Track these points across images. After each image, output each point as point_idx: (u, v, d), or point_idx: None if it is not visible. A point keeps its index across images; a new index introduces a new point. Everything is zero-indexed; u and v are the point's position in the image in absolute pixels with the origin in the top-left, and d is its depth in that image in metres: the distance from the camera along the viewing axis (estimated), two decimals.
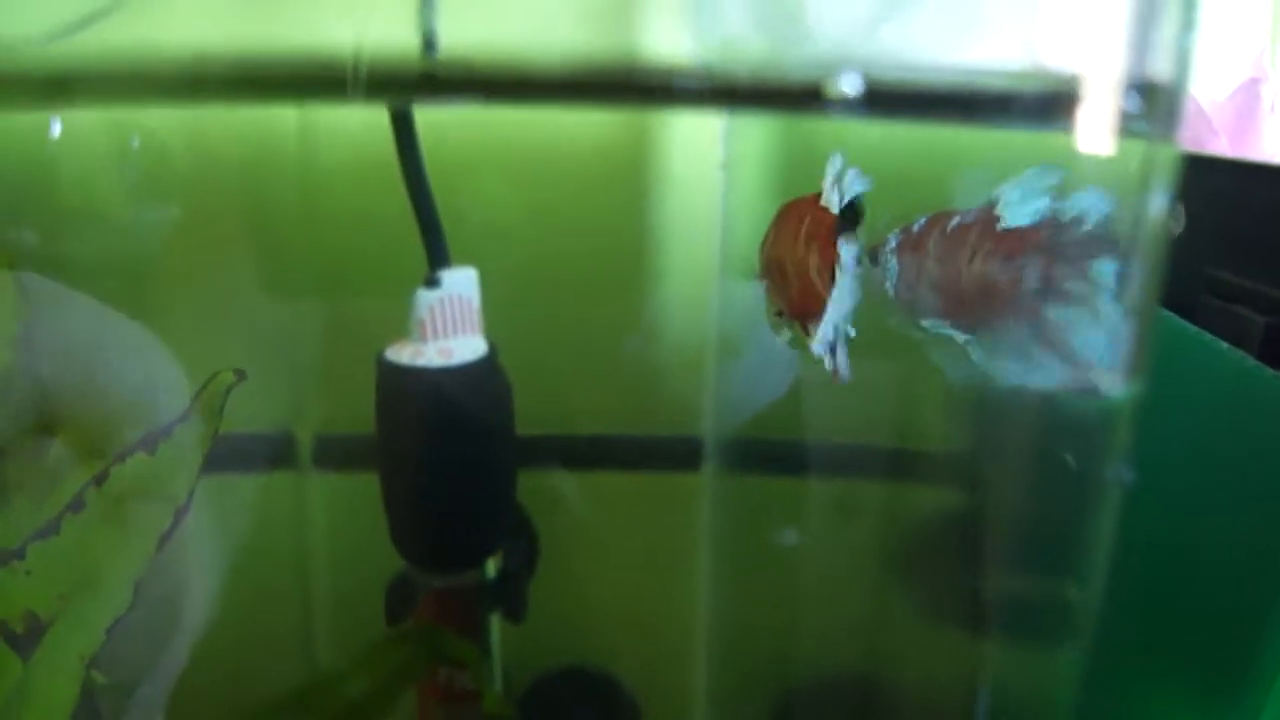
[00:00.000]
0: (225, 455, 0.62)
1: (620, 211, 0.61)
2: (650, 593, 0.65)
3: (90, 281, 0.58)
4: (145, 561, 0.33)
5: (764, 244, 0.30)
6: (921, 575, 0.60)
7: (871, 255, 0.28)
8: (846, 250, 0.27)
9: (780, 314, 0.30)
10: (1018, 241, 0.24)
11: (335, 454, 0.63)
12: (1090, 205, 0.24)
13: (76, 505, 0.33)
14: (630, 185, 0.61)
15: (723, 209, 0.61)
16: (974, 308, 0.25)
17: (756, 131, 0.60)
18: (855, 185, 0.27)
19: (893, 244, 0.27)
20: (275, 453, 0.63)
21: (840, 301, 0.28)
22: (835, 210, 0.27)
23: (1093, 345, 0.25)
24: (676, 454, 0.65)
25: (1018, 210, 0.25)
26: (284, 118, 0.58)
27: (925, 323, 0.27)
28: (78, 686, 0.33)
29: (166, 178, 0.59)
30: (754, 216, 0.62)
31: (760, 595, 0.65)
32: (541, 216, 0.61)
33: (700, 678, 0.66)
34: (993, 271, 0.24)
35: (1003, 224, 0.25)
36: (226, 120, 0.59)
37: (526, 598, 0.58)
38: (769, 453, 0.63)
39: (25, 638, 0.33)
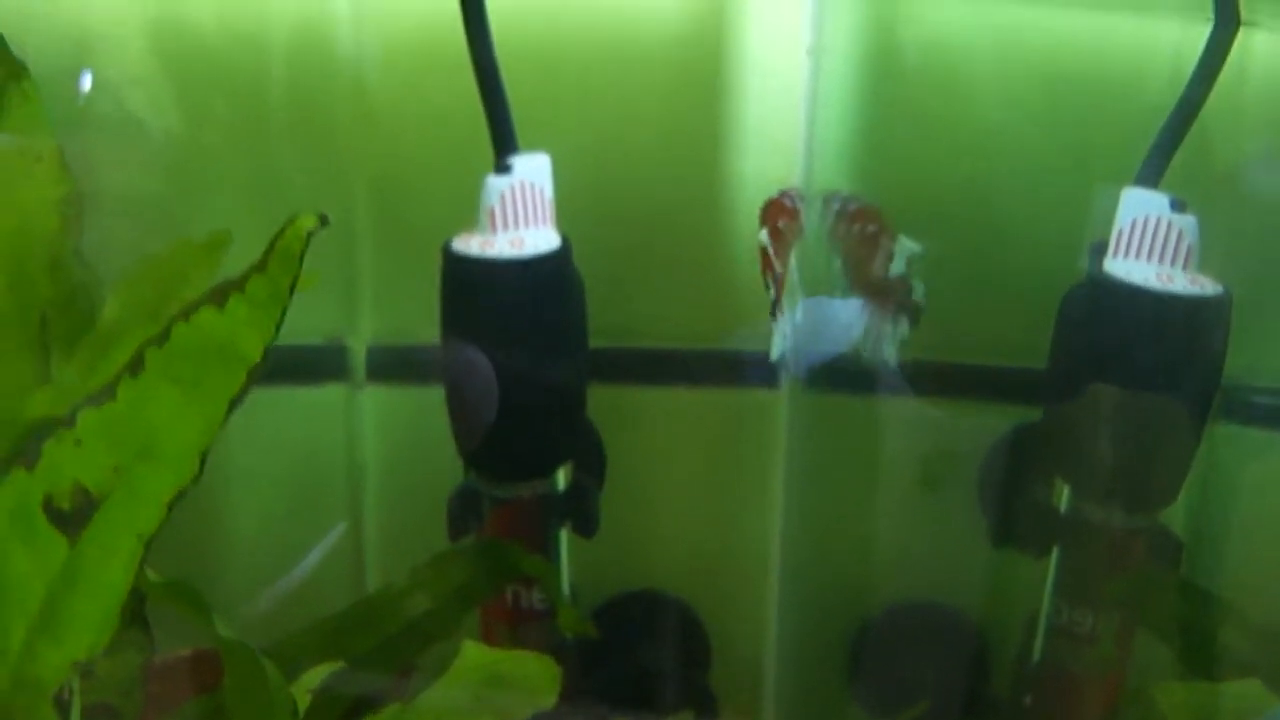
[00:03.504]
0: (273, 367, 0.60)
1: (694, 100, 0.57)
2: (723, 515, 0.62)
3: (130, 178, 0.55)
4: (214, 428, 0.29)
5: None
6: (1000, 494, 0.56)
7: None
8: None
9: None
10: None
11: (390, 366, 0.59)
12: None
13: (135, 367, 0.29)
14: (705, 70, 0.56)
15: (809, 100, 0.56)
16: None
17: (850, 12, 0.55)
18: None
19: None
20: (326, 365, 0.59)
21: None
22: None
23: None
24: (753, 369, 0.61)
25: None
26: None
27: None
28: (134, 570, 0.30)
29: (207, 65, 0.55)
30: (844, 109, 0.58)
31: (839, 519, 0.61)
32: (608, 105, 0.57)
33: (772, 605, 0.63)
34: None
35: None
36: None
37: (598, 511, 0.54)
38: (851, 370, 0.59)
39: (73, 515, 0.29)
